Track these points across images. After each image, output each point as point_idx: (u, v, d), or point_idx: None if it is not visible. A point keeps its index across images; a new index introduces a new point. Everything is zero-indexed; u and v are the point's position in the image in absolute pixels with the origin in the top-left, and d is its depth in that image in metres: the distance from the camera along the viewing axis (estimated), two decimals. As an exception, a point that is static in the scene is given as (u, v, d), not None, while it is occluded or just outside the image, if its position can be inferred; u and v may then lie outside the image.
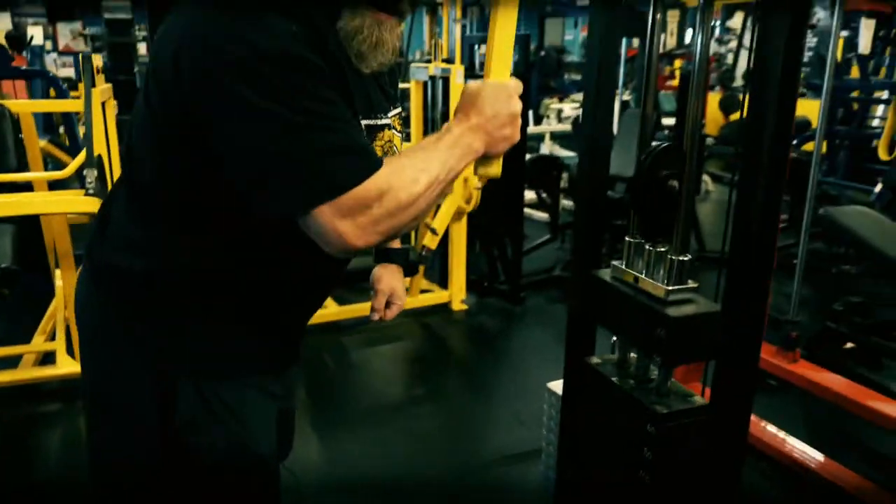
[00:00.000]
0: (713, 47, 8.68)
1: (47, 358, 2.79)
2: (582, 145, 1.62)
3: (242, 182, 0.89)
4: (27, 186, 2.82)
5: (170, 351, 1.05)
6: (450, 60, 3.60)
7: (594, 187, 1.56)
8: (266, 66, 0.84)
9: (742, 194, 1.18)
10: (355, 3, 0.95)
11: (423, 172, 0.90)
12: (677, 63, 8.87)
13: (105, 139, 2.45)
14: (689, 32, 9.44)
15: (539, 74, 10.36)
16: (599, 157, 1.55)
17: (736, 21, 9.28)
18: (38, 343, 2.75)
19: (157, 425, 1.04)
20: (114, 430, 1.10)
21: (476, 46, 4.27)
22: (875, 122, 5.71)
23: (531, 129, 6.24)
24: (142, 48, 7.90)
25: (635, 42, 6.86)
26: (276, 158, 0.85)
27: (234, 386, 1.08)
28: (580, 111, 7.32)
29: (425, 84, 3.71)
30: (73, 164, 2.39)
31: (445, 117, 3.59)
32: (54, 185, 2.73)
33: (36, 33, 7.82)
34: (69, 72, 10.11)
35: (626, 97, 6.53)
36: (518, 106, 0.99)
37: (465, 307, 3.60)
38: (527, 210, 4.40)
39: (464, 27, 8.34)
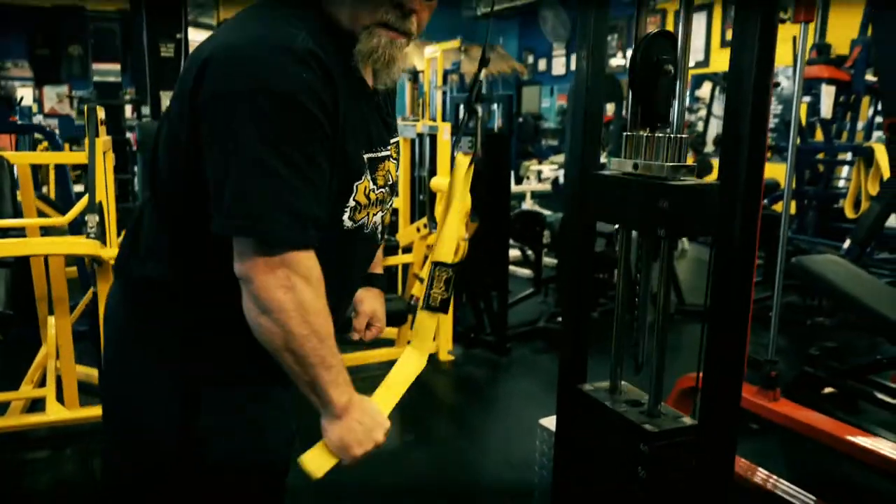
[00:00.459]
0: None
1: (35, 405, 2.78)
2: (568, 201, 1.71)
3: (211, 188, 0.98)
4: (21, 235, 2.87)
5: (195, 357, 1.10)
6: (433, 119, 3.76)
7: (584, 238, 1.65)
8: (271, 104, 0.93)
9: (719, 249, 1.28)
10: (371, 27, 1.05)
11: (331, 331, 1.00)
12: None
13: (104, 188, 2.52)
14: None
15: (517, 140, 10.70)
16: (587, 211, 1.65)
17: (704, 90, 9.71)
18: (27, 390, 2.74)
19: (177, 430, 1.08)
20: (134, 437, 1.14)
21: (461, 105, 4.46)
22: (840, 183, 5.96)
23: (513, 188, 6.42)
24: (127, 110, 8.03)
25: (610, 109, 7.15)
26: (241, 187, 0.94)
27: (255, 395, 1.13)
28: (559, 172, 7.56)
29: (412, 141, 3.85)
30: (74, 210, 2.45)
31: (433, 173, 3.72)
32: (49, 233, 2.78)
33: (26, 95, 7.94)
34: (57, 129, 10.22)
35: (603, 159, 6.76)
36: (378, 439, 1.08)
37: (451, 358, 3.65)
38: (511, 267, 4.51)
39: (444, 93, 8.66)
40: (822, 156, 5.84)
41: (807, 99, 5.59)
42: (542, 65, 13.46)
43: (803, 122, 5.97)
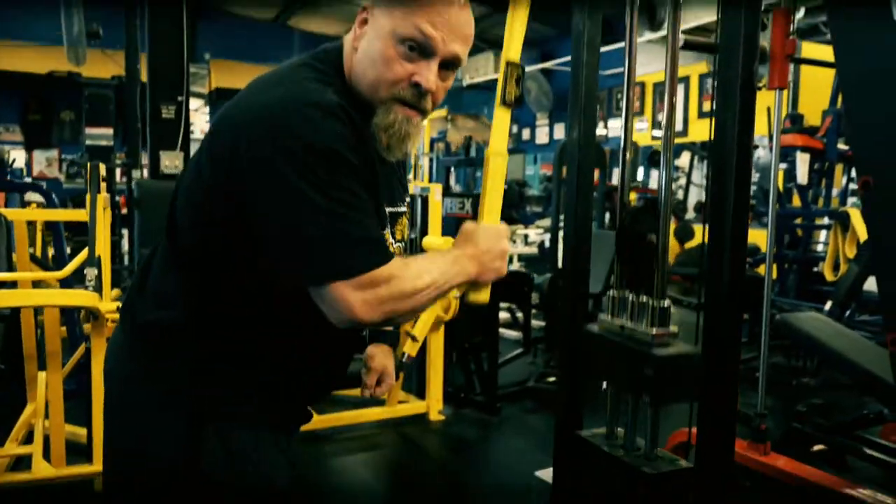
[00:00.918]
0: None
1: (20, 463, 2.72)
2: (565, 264, 1.79)
3: (271, 249, 1.03)
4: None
5: (200, 393, 1.13)
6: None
7: (574, 298, 1.73)
8: (312, 158, 0.99)
9: (708, 307, 1.36)
10: (388, 102, 1.12)
11: (426, 272, 1.06)
12: (632, 195, 9.43)
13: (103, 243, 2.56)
14: (640, 169, 10.10)
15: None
16: (580, 274, 1.74)
17: (684, 160, 10.01)
18: (13, 447, 2.69)
19: (180, 467, 1.11)
20: (138, 467, 1.16)
21: (451, 168, 4.57)
22: (819, 247, 6.12)
23: (499, 252, 6.50)
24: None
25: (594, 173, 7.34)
26: (308, 236, 1.00)
27: (252, 435, 1.16)
28: (545, 236, 7.68)
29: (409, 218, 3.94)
30: (72, 265, 2.47)
31: (424, 233, 3.79)
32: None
33: (18, 157, 8.02)
34: (40, 198, 10.31)
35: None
36: (507, 245, 1.19)
37: (442, 417, 3.63)
38: (500, 329, 4.54)
39: (430, 159, 8.87)
40: (801, 220, 6.02)
41: (783, 166, 5.79)
42: (525, 134, 13.83)
43: (780, 188, 6.18)
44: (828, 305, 4.76)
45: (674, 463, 1.45)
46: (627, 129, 1.67)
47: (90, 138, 7.56)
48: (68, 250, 4.04)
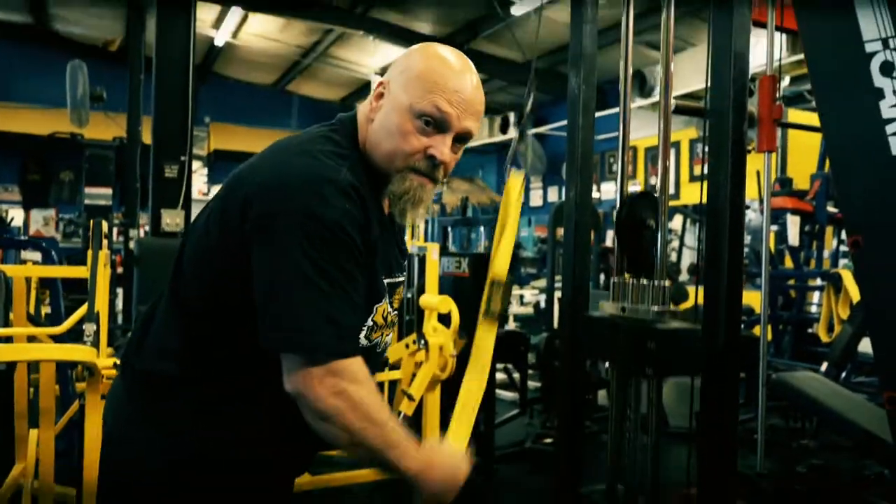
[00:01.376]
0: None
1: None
2: (563, 319, 1.82)
3: (258, 305, 1.06)
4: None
5: (191, 441, 1.15)
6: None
7: (572, 354, 1.75)
8: (316, 230, 1.04)
9: (707, 372, 1.39)
10: (404, 171, 1.17)
11: (387, 416, 1.07)
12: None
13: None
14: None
15: (497, 266, 10.96)
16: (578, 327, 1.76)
17: (676, 223, 10.14)
18: (0, 509, 2.63)
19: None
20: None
21: (448, 228, 4.62)
22: (813, 308, 6.15)
23: (494, 312, 6.51)
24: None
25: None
26: (288, 301, 1.03)
27: (236, 488, 1.17)
28: (541, 297, 7.68)
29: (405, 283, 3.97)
30: (70, 321, 2.47)
31: (421, 291, 3.81)
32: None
33: (16, 216, 8.08)
34: (36, 256, 10.33)
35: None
36: (463, 474, 1.15)
37: (438, 478, 3.57)
38: (496, 390, 4.52)
39: (427, 221, 8.97)
40: (794, 282, 6.06)
41: (774, 228, 5.87)
42: (519, 196, 13.97)
43: (772, 249, 6.25)
44: (823, 366, 4.76)
45: (676, 520, 1.44)
46: (625, 123, 1.72)
47: (89, 198, 7.64)
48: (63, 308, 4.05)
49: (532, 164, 12.35)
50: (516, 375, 4.69)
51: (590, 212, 1.81)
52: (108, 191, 7.70)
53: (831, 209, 5.64)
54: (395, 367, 3.68)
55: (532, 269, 12.26)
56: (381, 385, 3.91)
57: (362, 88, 11.96)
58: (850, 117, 2.01)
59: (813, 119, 2.26)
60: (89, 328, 2.28)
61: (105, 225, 2.67)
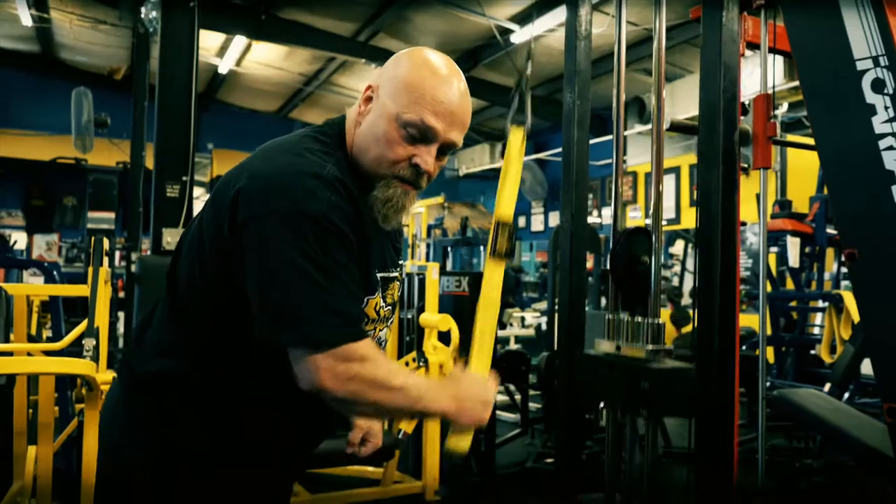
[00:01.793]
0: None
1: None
2: (561, 327, 1.83)
3: (254, 305, 1.08)
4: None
5: (177, 444, 1.16)
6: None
7: (569, 345, 1.75)
8: (305, 224, 1.05)
9: (701, 387, 1.39)
10: (388, 179, 1.19)
11: (403, 375, 1.10)
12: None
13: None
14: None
15: (499, 291, 11.00)
16: (575, 333, 1.77)
17: (678, 247, 10.16)
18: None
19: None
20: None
21: (448, 249, 4.63)
22: (815, 330, 6.13)
23: (499, 333, 6.52)
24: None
25: (589, 258, 7.43)
26: (288, 299, 1.05)
27: (229, 488, 1.18)
28: (542, 319, 7.68)
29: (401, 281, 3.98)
30: (70, 337, 2.48)
31: (421, 310, 3.82)
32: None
33: (20, 240, 8.13)
34: (38, 280, 10.38)
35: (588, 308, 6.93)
36: (491, 396, 1.22)
37: (438, 498, 3.54)
38: (497, 411, 4.50)
39: (428, 245, 9.00)
40: (795, 303, 6.06)
41: (774, 250, 5.88)
42: (521, 221, 14.04)
43: (774, 271, 6.25)
44: (826, 387, 4.73)
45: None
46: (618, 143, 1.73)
47: (92, 222, 7.68)
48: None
49: (532, 190, 12.41)
50: (518, 397, 4.67)
51: (587, 230, 1.82)
52: (111, 215, 7.75)
53: (831, 231, 5.66)
54: (395, 386, 3.67)
55: (533, 293, 12.27)
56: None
57: (364, 115, 12.04)
58: (843, 133, 2.04)
59: (810, 143, 2.29)
60: (88, 343, 2.29)
61: (106, 242, 2.68)
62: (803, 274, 5.86)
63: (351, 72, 9.94)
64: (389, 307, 1.28)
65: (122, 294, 6.61)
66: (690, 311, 8.74)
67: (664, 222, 7.55)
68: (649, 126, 8.42)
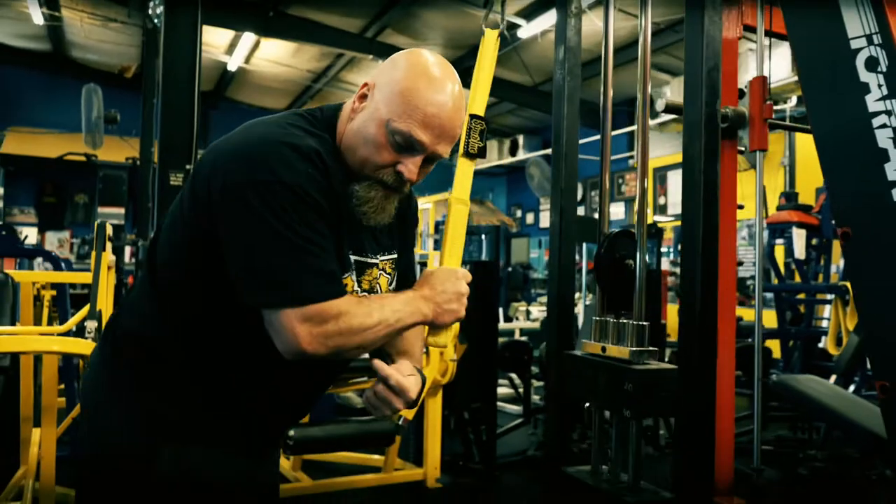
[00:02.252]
0: (667, 265, 9.34)
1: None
2: (549, 340, 1.85)
3: (234, 271, 1.10)
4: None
5: (155, 411, 1.18)
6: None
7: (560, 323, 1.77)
8: (281, 191, 1.07)
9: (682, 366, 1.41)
10: (370, 181, 1.20)
11: (376, 311, 1.12)
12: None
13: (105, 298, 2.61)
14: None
15: (506, 287, 11.00)
16: (564, 310, 1.79)
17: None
18: (1, 507, 2.66)
19: (139, 473, 1.16)
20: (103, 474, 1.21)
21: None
22: (823, 323, 6.10)
23: (502, 325, 6.53)
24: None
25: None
26: (266, 261, 1.07)
27: (205, 454, 1.20)
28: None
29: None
30: (74, 320, 2.52)
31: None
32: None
33: (31, 234, 8.22)
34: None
35: (589, 301, 6.92)
36: (464, 287, 1.22)
37: (439, 485, 3.56)
38: (499, 403, 4.51)
39: (435, 241, 9.01)
40: (803, 296, 6.02)
41: (780, 241, 5.86)
42: (529, 218, 14.06)
43: (781, 264, 6.21)
44: (832, 379, 4.71)
45: (656, 494, 1.44)
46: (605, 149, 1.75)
47: (102, 217, 7.77)
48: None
49: (540, 186, 12.41)
50: (521, 388, 4.68)
51: (577, 222, 1.82)
52: (121, 210, 7.84)
53: (837, 222, 5.62)
54: (396, 373, 3.69)
55: (542, 290, 12.27)
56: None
57: (372, 112, 12.09)
58: (837, 112, 2.04)
59: (806, 127, 2.29)
60: (91, 325, 2.33)
61: (109, 228, 2.72)
62: (808, 266, 5.82)
63: (359, 68, 9.98)
64: (364, 293, 1.26)
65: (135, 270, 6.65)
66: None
67: (671, 217, 7.51)
68: (656, 121, 8.36)
